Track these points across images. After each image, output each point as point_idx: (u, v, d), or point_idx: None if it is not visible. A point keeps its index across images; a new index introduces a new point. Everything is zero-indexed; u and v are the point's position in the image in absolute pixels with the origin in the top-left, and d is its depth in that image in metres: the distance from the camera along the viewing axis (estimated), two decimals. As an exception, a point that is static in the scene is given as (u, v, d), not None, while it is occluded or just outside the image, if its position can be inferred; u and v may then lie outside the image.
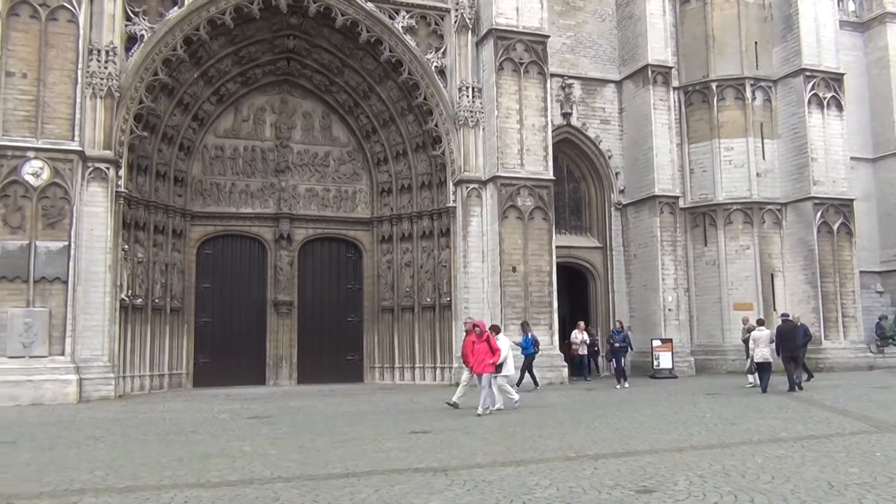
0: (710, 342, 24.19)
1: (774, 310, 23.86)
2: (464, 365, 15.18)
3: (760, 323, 18.51)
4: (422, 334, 22.57)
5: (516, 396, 14.78)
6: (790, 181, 24.81)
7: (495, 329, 15.54)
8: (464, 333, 15.64)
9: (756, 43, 25.39)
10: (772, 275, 24.60)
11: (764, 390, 16.81)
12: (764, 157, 24.98)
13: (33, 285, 17.05)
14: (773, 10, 25.64)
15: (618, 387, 19.48)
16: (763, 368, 17.14)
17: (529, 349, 19.26)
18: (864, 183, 29.71)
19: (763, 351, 17.14)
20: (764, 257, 24.53)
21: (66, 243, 17.36)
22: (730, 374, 22.74)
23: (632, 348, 21.89)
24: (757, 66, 25.31)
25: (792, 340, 17.38)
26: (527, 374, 18.97)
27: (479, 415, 13.25)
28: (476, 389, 14.28)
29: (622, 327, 21.49)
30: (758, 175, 24.76)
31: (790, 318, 18.51)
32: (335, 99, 23.67)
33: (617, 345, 20.54)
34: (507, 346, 15.03)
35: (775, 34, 25.61)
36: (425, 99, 22.00)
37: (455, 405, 14.46)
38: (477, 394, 14.04)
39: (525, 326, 19.96)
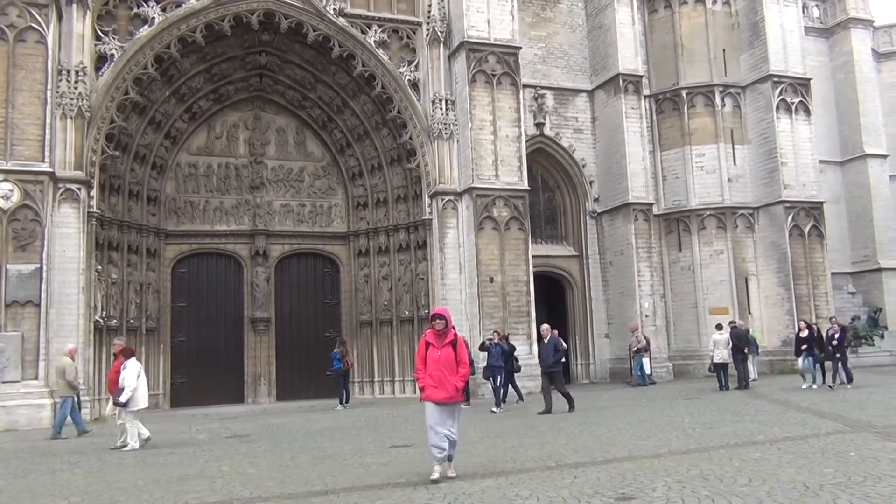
0: (687, 347, 24.38)
1: (749, 313, 24.20)
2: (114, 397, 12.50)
3: (719, 328, 20.17)
4: (401, 347, 22.54)
5: (147, 432, 12.43)
6: (761, 185, 25.12)
7: (127, 353, 12.87)
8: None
9: (724, 50, 25.74)
10: (746, 278, 24.88)
11: (722, 388, 18.73)
12: (735, 163, 25.27)
13: (5, 309, 16.78)
14: (739, 17, 26.01)
15: (494, 410, 16.25)
16: (720, 368, 19.12)
17: (337, 364, 19.75)
18: (833, 185, 30.26)
19: (722, 352, 19.16)
20: (738, 261, 24.79)
21: (38, 265, 17.13)
22: (707, 377, 22.81)
23: (516, 364, 17.93)
24: (726, 73, 25.64)
25: (740, 344, 19.35)
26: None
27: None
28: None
29: (500, 338, 17.64)
30: (729, 180, 25.05)
31: (737, 324, 20.79)
32: (309, 114, 23.65)
33: (492, 358, 16.89)
34: (135, 373, 12.36)
35: (742, 41, 25.98)
36: (399, 112, 22.06)
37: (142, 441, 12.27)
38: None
39: (340, 342, 20.46)
